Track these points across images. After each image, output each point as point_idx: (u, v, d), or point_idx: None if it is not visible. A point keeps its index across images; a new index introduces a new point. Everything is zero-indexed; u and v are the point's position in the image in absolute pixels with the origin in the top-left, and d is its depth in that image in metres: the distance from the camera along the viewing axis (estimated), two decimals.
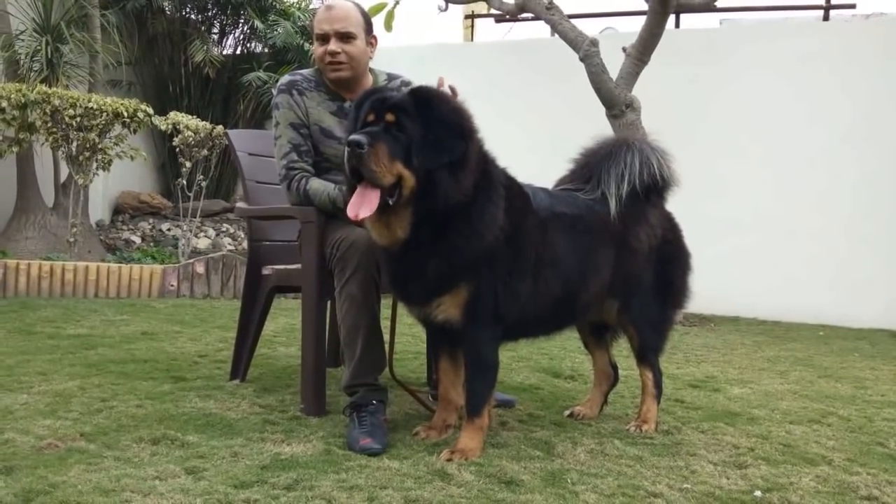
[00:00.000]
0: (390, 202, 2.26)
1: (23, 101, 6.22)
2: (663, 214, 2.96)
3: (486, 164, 2.43)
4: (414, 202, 2.28)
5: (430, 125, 2.27)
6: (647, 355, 2.93)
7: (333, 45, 2.97)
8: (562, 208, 2.66)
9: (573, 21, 6.48)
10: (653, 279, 2.87)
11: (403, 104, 2.30)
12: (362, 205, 2.23)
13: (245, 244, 7.61)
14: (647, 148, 2.85)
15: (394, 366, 2.94)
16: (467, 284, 2.40)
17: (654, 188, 2.85)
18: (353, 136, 2.22)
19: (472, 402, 2.49)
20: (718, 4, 6.66)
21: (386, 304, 2.83)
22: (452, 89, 2.60)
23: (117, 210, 8.57)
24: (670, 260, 2.94)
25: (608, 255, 2.74)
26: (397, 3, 6.65)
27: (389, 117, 2.28)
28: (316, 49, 3.04)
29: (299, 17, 9.29)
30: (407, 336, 4.62)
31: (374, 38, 3.12)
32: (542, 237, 2.54)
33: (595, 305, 2.84)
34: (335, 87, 3.06)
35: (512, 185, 2.53)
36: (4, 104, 6.19)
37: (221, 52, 9.47)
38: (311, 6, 9.83)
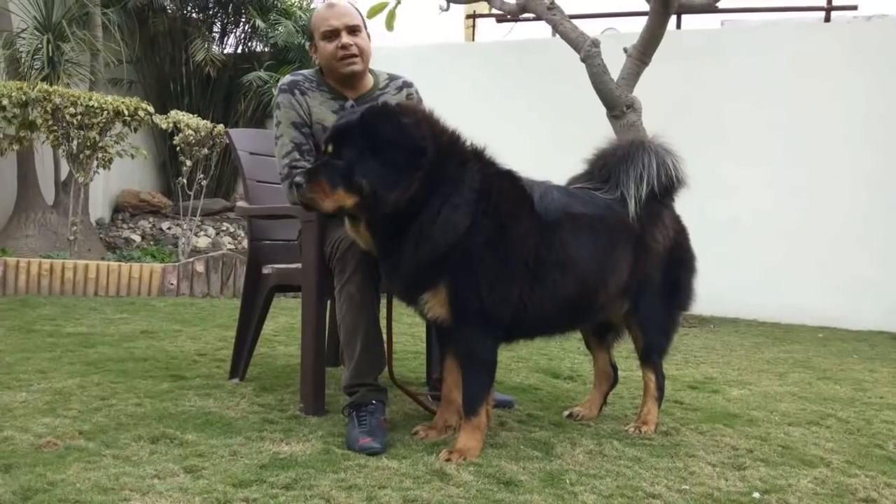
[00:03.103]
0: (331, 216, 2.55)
1: (24, 99, 6.23)
2: (674, 216, 2.96)
3: (456, 168, 2.44)
4: (363, 212, 2.41)
5: (379, 145, 2.37)
6: (652, 357, 2.92)
7: (346, 38, 2.98)
8: (579, 208, 2.66)
9: (574, 21, 6.47)
10: (662, 281, 2.87)
11: (345, 130, 2.45)
12: None
13: (245, 243, 7.61)
14: (661, 149, 2.87)
15: (393, 368, 2.93)
16: (445, 283, 2.42)
17: (668, 189, 2.87)
18: (296, 178, 2.45)
19: (468, 401, 2.49)
20: (720, 5, 6.66)
21: (382, 304, 2.82)
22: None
23: (117, 208, 8.58)
24: (679, 262, 2.94)
25: (626, 255, 2.75)
26: (399, 2, 6.64)
27: (329, 148, 2.46)
28: (325, 47, 3.01)
29: (300, 17, 9.30)
30: (406, 336, 4.62)
31: (368, 34, 3.14)
32: (543, 238, 2.54)
33: (613, 305, 2.83)
34: (343, 83, 3.06)
35: (503, 188, 2.52)
36: (5, 102, 6.20)
37: (222, 51, 9.48)
38: (312, 5, 9.84)
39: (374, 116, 2.45)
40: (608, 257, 2.69)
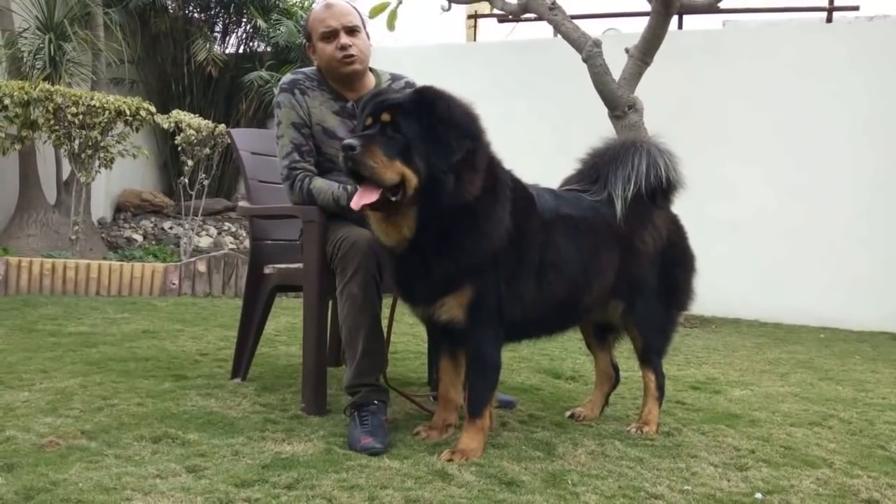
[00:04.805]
0: (393, 199, 2.26)
1: (25, 98, 6.24)
2: (669, 216, 2.96)
3: (493, 165, 2.45)
4: (419, 201, 2.29)
5: (436, 126, 2.28)
6: (650, 357, 2.92)
7: (345, 39, 2.97)
8: (567, 210, 2.66)
9: (576, 21, 6.47)
10: (657, 281, 2.87)
11: (401, 104, 2.31)
12: (363, 196, 2.25)
13: (247, 243, 7.61)
14: (655, 150, 2.85)
15: (386, 370, 2.92)
16: (472, 285, 2.41)
17: (660, 190, 2.85)
18: (346, 141, 2.26)
19: (474, 402, 2.49)
20: (721, 6, 6.65)
21: (385, 305, 2.82)
22: None
23: (119, 208, 8.59)
24: (675, 262, 2.93)
25: (613, 257, 2.75)
26: (400, 2, 6.64)
27: (385, 117, 2.29)
28: (323, 48, 3.01)
29: (301, 17, 9.31)
30: (407, 336, 4.63)
31: (368, 34, 3.13)
32: (545, 239, 2.55)
33: (598, 307, 2.84)
34: (343, 84, 3.05)
35: (517, 186, 2.54)
36: (7, 101, 6.21)
37: (224, 51, 9.49)
38: (314, 5, 9.85)
39: (432, 97, 2.34)
40: (593, 259, 2.70)
